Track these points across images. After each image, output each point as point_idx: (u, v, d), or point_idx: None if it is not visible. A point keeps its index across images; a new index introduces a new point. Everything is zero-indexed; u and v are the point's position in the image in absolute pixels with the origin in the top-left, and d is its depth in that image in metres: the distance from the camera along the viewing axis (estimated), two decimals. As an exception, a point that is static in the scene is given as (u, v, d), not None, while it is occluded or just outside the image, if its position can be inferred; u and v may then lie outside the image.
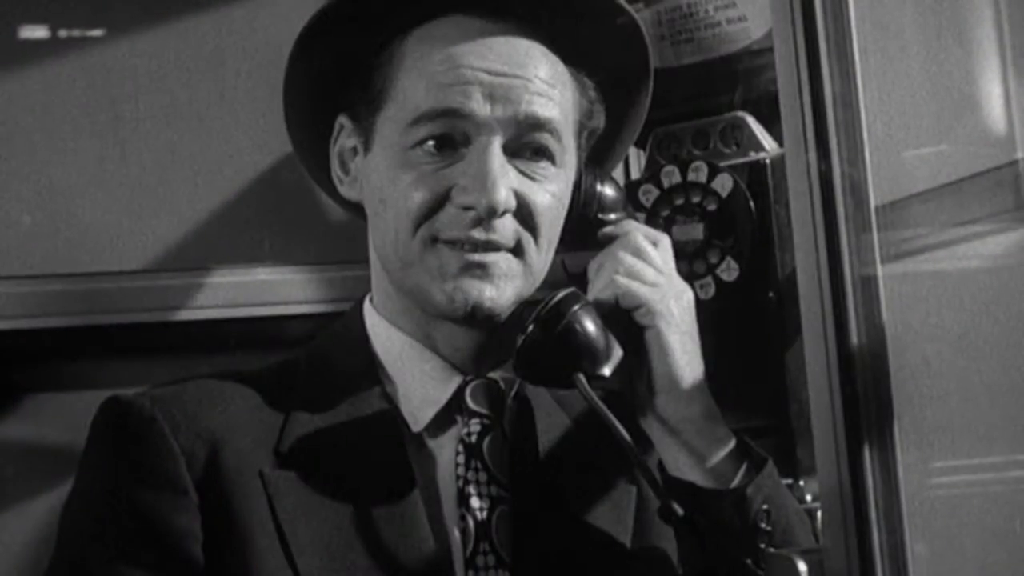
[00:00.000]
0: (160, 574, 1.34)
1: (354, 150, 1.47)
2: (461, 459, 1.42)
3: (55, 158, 1.97)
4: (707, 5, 1.75)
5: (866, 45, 1.13)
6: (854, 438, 1.10)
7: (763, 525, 1.31)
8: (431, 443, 1.44)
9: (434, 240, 1.41)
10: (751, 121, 1.74)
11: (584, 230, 1.48)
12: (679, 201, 1.71)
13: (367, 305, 1.51)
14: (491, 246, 1.40)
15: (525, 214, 1.41)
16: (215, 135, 2.02)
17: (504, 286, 1.41)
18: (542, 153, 1.43)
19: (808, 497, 1.65)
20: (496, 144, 1.40)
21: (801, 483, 1.66)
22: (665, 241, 1.47)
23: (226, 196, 2.03)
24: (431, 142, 1.40)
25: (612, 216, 1.49)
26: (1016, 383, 1.08)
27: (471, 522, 1.40)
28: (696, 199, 1.70)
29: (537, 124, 1.41)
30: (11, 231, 1.96)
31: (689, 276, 1.63)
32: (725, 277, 1.69)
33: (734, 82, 1.76)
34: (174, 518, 1.36)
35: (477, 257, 1.40)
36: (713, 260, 1.70)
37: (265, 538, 1.36)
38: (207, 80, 2.03)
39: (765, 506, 1.33)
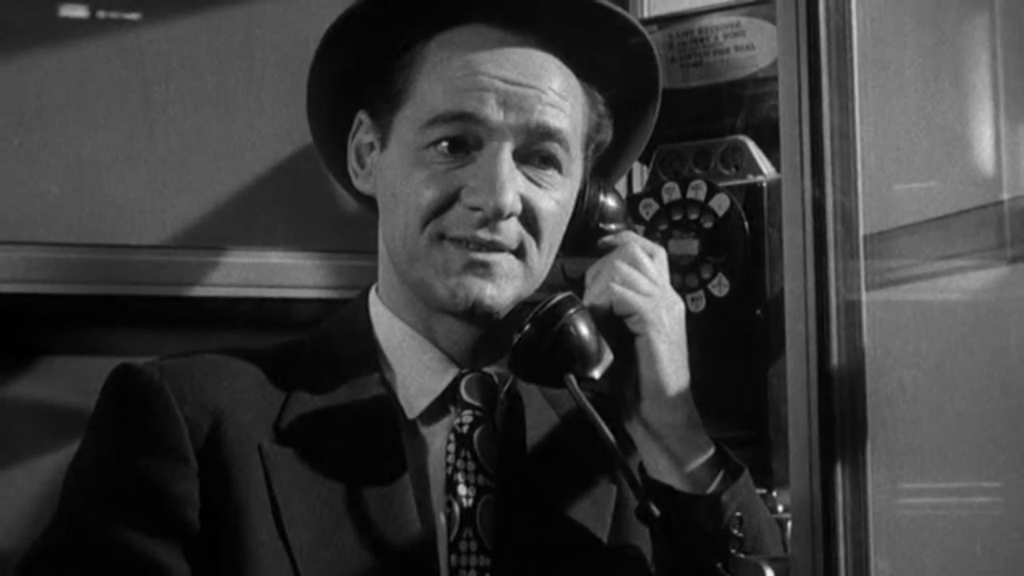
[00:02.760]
0: (156, 537, 1.34)
1: (371, 146, 1.47)
2: (452, 447, 1.42)
3: (86, 133, 1.97)
4: (717, 32, 1.76)
5: (866, 81, 1.13)
6: (828, 454, 1.10)
7: (735, 531, 1.31)
8: (424, 430, 1.44)
9: (441, 237, 1.41)
10: (751, 145, 1.74)
11: (585, 238, 1.49)
12: (677, 217, 1.71)
13: (373, 294, 1.51)
14: (495, 246, 1.40)
15: (530, 218, 1.41)
16: (240, 122, 2.02)
17: (505, 285, 1.41)
18: (550, 161, 1.43)
19: (780, 508, 1.65)
20: (507, 150, 1.40)
21: (774, 494, 1.66)
22: (661, 254, 1.47)
23: (246, 181, 2.03)
24: (445, 143, 1.40)
25: (612, 226, 1.49)
26: (985, 414, 1.08)
27: (457, 508, 1.40)
28: (694, 216, 1.70)
29: (547, 133, 1.41)
30: (39, 200, 1.96)
31: (682, 289, 1.63)
32: (716, 292, 1.68)
33: (738, 107, 1.76)
34: (174, 484, 1.36)
35: (481, 256, 1.40)
36: (706, 275, 1.70)
37: (259, 509, 1.36)
38: (236, 69, 2.03)
39: (738, 513, 1.33)
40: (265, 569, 1.34)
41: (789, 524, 1.34)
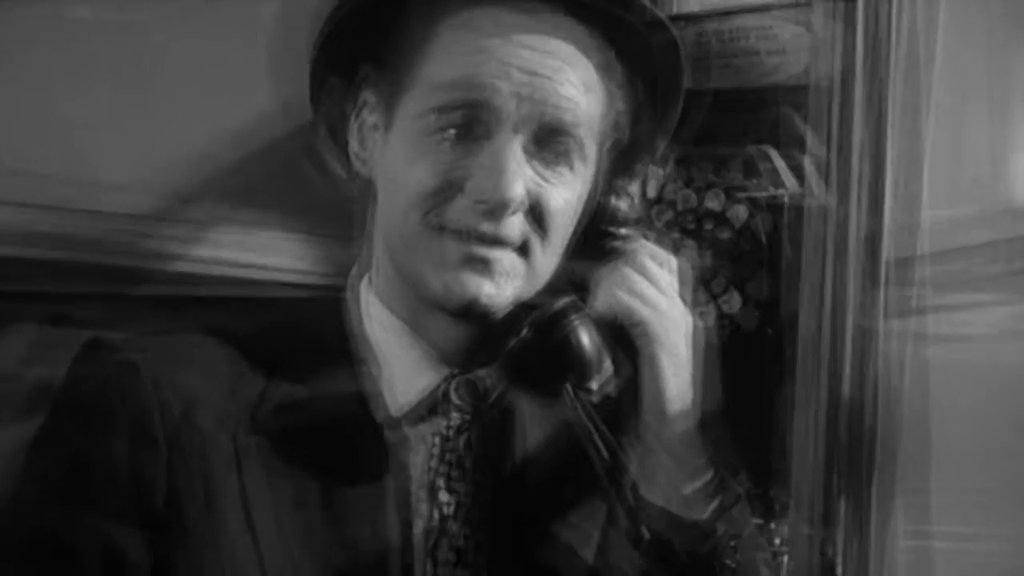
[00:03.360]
0: (118, 522, 1.35)
1: (375, 127, 1.48)
2: (435, 451, 1.44)
3: (73, 92, 1.97)
4: (749, 34, 1.76)
5: (901, 101, 1.14)
6: (830, 488, 1.11)
7: (728, 562, 1.32)
8: (408, 430, 1.45)
9: (441, 228, 1.41)
10: (775, 156, 1.74)
11: (593, 241, 1.49)
12: (691, 226, 1.72)
13: (364, 283, 1.52)
14: (497, 242, 1.41)
15: (536, 215, 1.42)
16: (240, 93, 2.03)
17: (504, 284, 1.42)
18: (561, 157, 1.43)
19: (777, 540, 1.66)
20: (517, 141, 1.40)
21: (772, 526, 1.67)
22: (672, 264, 1.47)
23: (241, 156, 2.03)
24: (452, 130, 1.40)
25: (623, 231, 1.50)
26: (998, 457, 1.10)
27: (436, 515, 1.41)
28: (709, 226, 1.71)
29: (561, 127, 1.42)
30: (11, 156, 1.96)
31: (690, 302, 1.64)
32: (726, 308, 1.69)
33: (765, 114, 1.76)
34: (141, 469, 1.36)
35: (481, 251, 1.41)
36: (716, 290, 1.71)
37: (228, 499, 1.37)
38: (239, 38, 2.03)
39: (732, 543, 1.35)
40: (232, 562, 1.35)
41: (785, 559, 1.36)
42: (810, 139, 1.16)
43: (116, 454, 1.37)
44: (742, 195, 1.73)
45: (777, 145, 1.75)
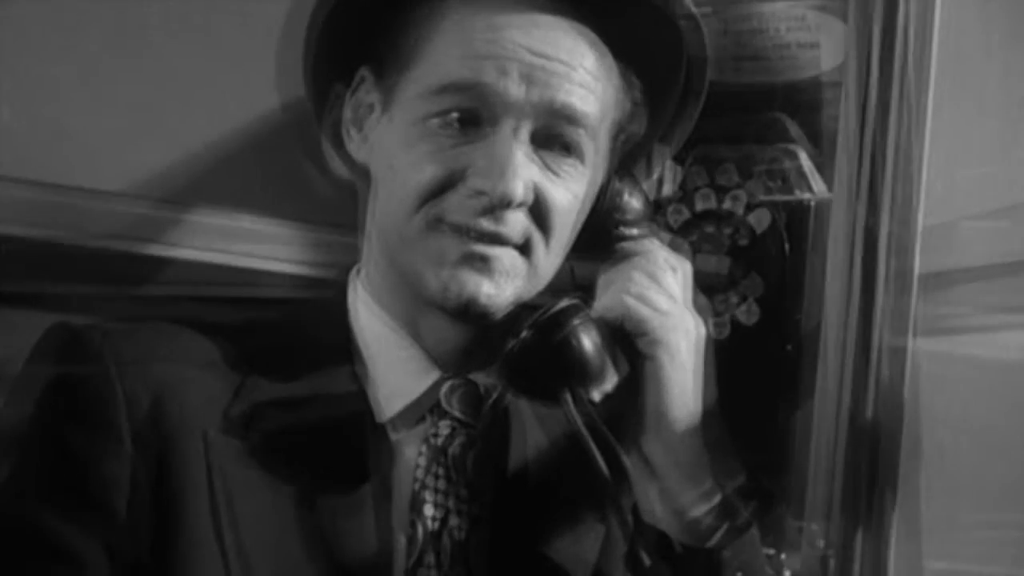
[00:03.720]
0: (73, 522, 1.34)
1: (371, 107, 1.47)
2: (423, 461, 1.43)
3: (47, 54, 1.96)
4: (779, 24, 1.75)
5: (942, 99, 1.12)
6: (849, 517, 1.10)
7: (734, 594, 1.31)
8: (394, 437, 1.44)
9: (438, 222, 1.40)
10: (803, 157, 1.74)
11: (601, 240, 1.48)
12: (709, 229, 1.71)
13: (353, 277, 1.51)
14: (497, 239, 1.40)
15: (540, 211, 1.41)
16: (228, 61, 2.01)
17: (504, 284, 1.41)
18: (572, 149, 1.42)
19: (787, 573, 1.65)
20: (524, 130, 1.40)
21: (783, 556, 1.66)
22: (685, 269, 1.46)
23: (226, 130, 2.02)
24: (455, 115, 1.40)
25: (634, 231, 1.49)
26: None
27: (420, 530, 1.40)
28: (728, 230, 1.70)
29: (572, 117, 1.41)
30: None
31: (704, 312, 1.62)
32: (743, 320, 1.68)
33: (793, 112, 1.75)
34: (103, 465, 1.35)
35: (480, 248, 1.40)
36: (734, 299, 1.70)
37: (196, 504, 1.35)
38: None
39: (739, 574, 1.33)
40: (195, 572, 1.33)
41: (796, 593, 1.34)
42: (841, 138, 1.13)
43: (77, 449, 1.36)
44: (766, 199, 1.72)
45: (806, 146, 1.74)
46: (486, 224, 1.39)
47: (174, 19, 2.01)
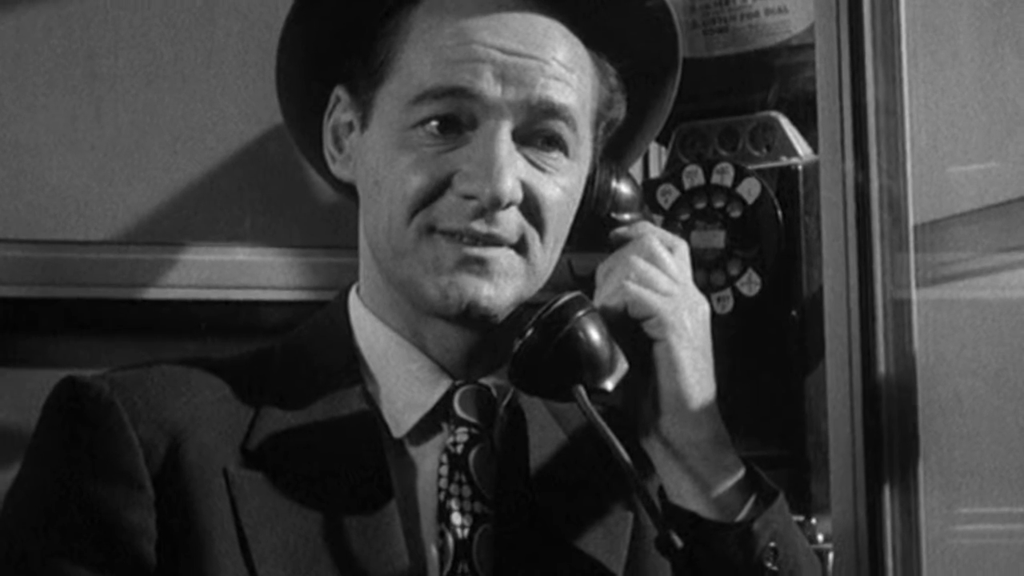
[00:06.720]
0: (108, 573, 1.34)
1: (350, 126, 1.47)
2: (444, 470, 1.43)
3: (23, 113, 1.97)
4: (745, -7, 1.76)
5: (915, 48, 1.13)
6: (874, 476, 1.10)
7: (769, 564, 1.32)
8: (413, 451, 1.44)
9: (431, 230, 1.41)
10: (785, 123, 1.74)
11: (595, 230, 1.49)
12: (701, 205, 1.71)
13: (353, 296, 1.51)
14: (492, 240, 1.40)
15: (532, 208, 1.41)
16: (199, 99, 2.02)
17: (503, 285, 1.41)
18: (555, 143, 1.43)
19: (820, 537, 1.65)
20: (505, 129, 1.40)
21: (813, 521, 1.66)
22: (682, 247, 1.47)
23: (207, 167, 2.03)
24: (434, 122, 1.40)
25: (626, 216, 1.49)
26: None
27: (451, 540, 1.40)
28: (719, 204, 1.71)
29: (551, 110, 1.41)
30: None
31: (706, 287, 1.64)
32: (745, 291, 1.69)
33: (769, 79, 1.76)
34: (127, 514, 1.35)
35: (476, 251, 1.40)
36: (733, 272, 1.70)
37: (225, 542, 1.36)
38: (194, 38, 2.03)
39: (772, 544, 1.34)
40: None
41: (831, 556, 1.35)
42: (820, 100, 1.14)
43: (100, 501, 1.36)
44: (753, 168, 1.72)
45: (787, 110, 1.75)
46: (479, 227, 1.39)
47: (141, 62, 2.02)
